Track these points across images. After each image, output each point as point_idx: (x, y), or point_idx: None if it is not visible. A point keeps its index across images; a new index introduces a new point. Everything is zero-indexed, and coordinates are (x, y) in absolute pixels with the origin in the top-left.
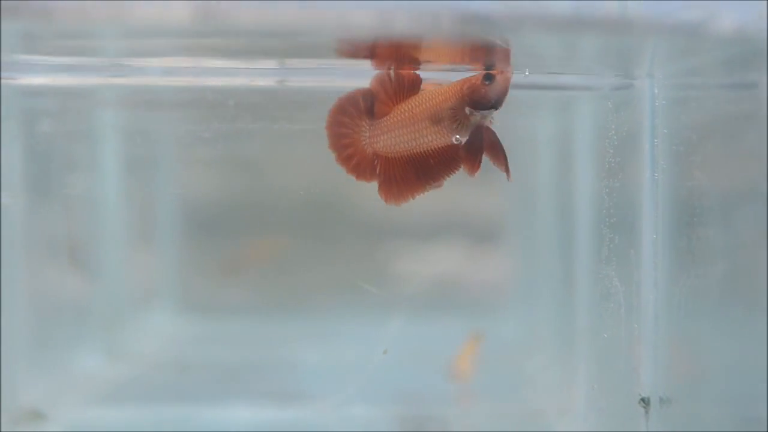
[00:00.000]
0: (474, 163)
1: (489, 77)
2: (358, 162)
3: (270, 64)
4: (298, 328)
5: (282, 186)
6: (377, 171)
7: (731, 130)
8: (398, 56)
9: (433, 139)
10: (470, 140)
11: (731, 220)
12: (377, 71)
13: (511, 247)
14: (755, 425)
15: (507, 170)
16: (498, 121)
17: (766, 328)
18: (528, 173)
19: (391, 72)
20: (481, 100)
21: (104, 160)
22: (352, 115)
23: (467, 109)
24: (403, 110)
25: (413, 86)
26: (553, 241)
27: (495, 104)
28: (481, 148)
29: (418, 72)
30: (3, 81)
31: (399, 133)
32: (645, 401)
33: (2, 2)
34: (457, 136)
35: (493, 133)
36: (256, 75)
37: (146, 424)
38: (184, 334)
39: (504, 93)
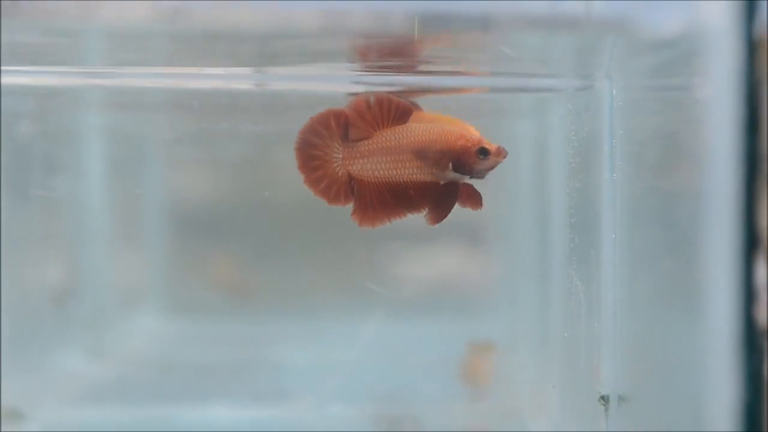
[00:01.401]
0: (438, 219)
1: (485, 152)
2: (328, 185)
3: (247, 68)
4: (282, 329)
5: (275, 188)
6: (354, 193)
7: (673, 131)
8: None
9: (413, 172)
10: (442, 196)
11: (676, 219)
12: (356, 95)
13: (496, 248)
14: (711, 423)
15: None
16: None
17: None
18: (510, 177)
19: (371, 98)
20: (466, 166)
21: (86, 161)
22: (323, 136)
23: (450, 164)
24: (388, 137)
25: (402, 116)
26: (533, 243)
27: (475, 176)
28: (449, 206)
29: (414, 100)
30: None
31: (380, 159)
32: (605, 399)
33: None
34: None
35: (471, 186)
36: (234, 78)
37: (128, 424)
38: (167, 334)
39: (489, 171)
